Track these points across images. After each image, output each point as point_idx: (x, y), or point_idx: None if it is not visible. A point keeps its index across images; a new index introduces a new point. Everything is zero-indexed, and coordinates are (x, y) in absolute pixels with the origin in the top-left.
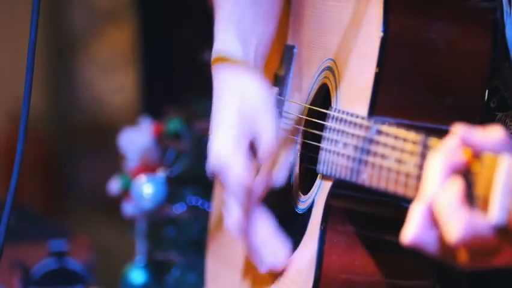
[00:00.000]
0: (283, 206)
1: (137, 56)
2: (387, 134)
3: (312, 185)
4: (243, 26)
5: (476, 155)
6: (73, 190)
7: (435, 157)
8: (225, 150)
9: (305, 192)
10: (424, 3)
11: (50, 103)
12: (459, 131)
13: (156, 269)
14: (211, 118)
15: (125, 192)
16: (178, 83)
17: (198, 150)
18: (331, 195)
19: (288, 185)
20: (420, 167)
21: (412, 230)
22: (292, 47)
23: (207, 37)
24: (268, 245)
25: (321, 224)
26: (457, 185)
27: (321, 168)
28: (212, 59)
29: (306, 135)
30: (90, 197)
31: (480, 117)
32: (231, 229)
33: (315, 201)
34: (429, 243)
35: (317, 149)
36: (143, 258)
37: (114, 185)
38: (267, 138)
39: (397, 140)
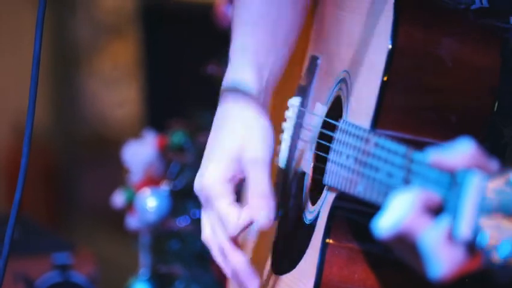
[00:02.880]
0: (294, 216)
1: (141, 69)
2: (382, 147)
3: (320, 196)
4: (258, 57)
5: (449, 172)
6: (77, 203)
7: (412, 192)
8: (216, 185)
9: (313, 203)
10: (434, 19)
11: (54, 116)
12: (430, 156)
13: (160, 282)
14: (208, 141)
15: (129, 205)
16: (182, 96)
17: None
18: (334, 207)
19: (301, 195)
20: (406, 180)
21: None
22: (317, 57)
23: (210, 50)
24: (240, 279)
25: (324, 236)
26: (442, 224)
27: (326, 179)
28: (223, 86)
29: (318, 146)
30: (94, 210)
31: (482, 135)
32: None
33: (320, 212)
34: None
35: (326, 160)
36: (147, 271)
37: (118, 198)
38: (256, 192)
39: (389, 153)
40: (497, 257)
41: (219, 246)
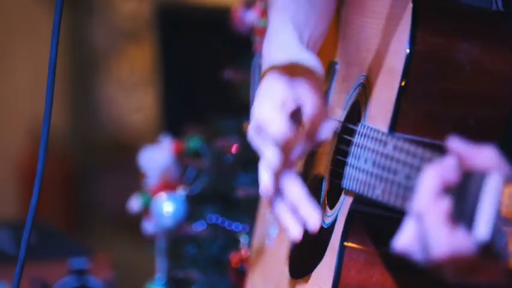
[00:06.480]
0: None
1: (158, 74)
2: (401, 150)
3: (338, 200)
4: (299, 17)
5: (467, 171)
6: (94, 208)
7: (430, 171)
8: (268, 109)
9: (331, 207)
10: (452, 24)
11: (71, 121)
12: (454, 146)
13: (176, 287)
14: (255, 95)
15: (146, 210)
16: (198, 101)
17: (217, 168)
18: (352, 210)
19: (318, 200)
20: None
21: (403, 239)
22: (335, 63)
23: (226, 56)
24: (299, 209)
25: (341, 239)
26: (444, 204)
27: (344, 183)
28: (265, 67)
29: (336, 151)
30: (110, 215)
31: (500, 139)
32: (261, 193)
33: (338, 216)
34: (417, 254)
35: (344, 165)
36: (163, 276)
37: (134, 203)
38: (312, 105)
39: (408, 156)
40: None
41: (269, 166)
